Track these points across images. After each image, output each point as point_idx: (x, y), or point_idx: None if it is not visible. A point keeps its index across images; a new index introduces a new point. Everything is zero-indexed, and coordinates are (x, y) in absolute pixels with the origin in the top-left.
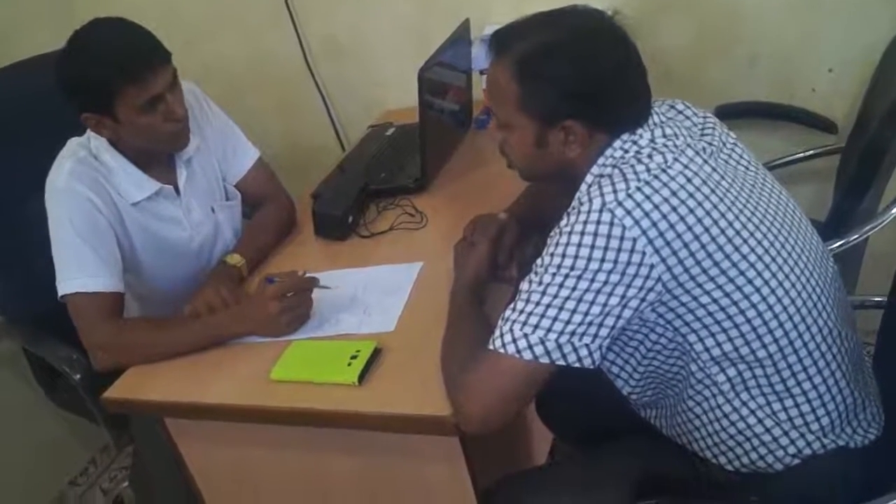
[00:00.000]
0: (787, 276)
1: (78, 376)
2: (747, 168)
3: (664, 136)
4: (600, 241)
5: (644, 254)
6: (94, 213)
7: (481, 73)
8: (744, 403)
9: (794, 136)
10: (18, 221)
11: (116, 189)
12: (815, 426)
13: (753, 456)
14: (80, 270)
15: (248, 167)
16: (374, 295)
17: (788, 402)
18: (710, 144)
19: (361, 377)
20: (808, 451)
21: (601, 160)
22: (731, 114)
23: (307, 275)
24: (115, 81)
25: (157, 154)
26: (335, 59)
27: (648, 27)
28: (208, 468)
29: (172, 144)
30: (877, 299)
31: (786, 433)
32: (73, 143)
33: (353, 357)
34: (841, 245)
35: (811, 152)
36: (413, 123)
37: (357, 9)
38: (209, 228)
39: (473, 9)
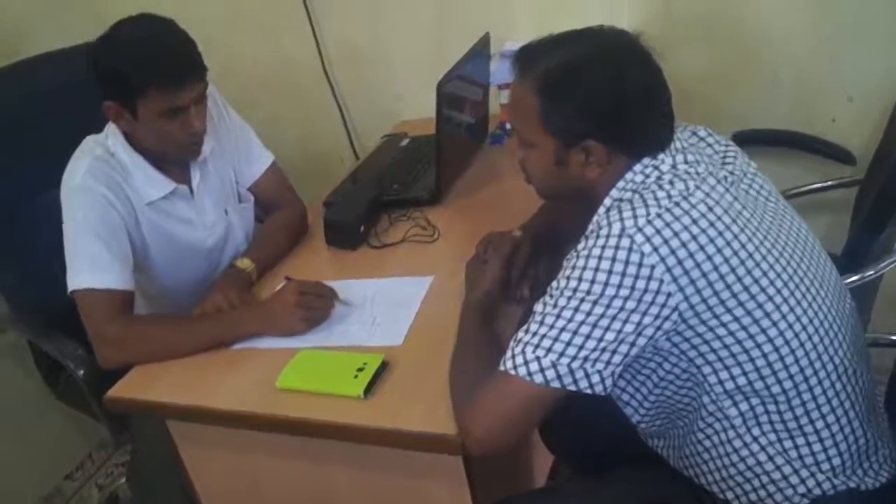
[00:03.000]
0: (804, 311)
1: (81, 372)
2: (767, 199)
3: (686, 162)
4: (618, 267)
5: (661, 282)
6: (109, 210)
7: (499, 87)
8: (755, 439)
9: (810, 166)
10: (29, 216)
11: (132, 187)
12: (825, 466)
13: (762, 493)
14: (91, 266)
15: (262, 171)
16: (383, 307)
17: (800, 441)
18: (732, 174)
19: (367, 390)
20: (817, 491)
21: (621, 184)
22: (748, 141)
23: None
24: (143, 82)
25: (166, 157)
26: (352, 66)
27: (668, 49)
28: (208, 472)
29: (182, 154)
30: (893, 338)
31: (796, 471)
32: (89, 140)
33: (360, 369)
34: (855, 280)
35: (829, 183)
36: (428, 135)
37: (377, 17)
38: (221, 230)
39: (495, 24)
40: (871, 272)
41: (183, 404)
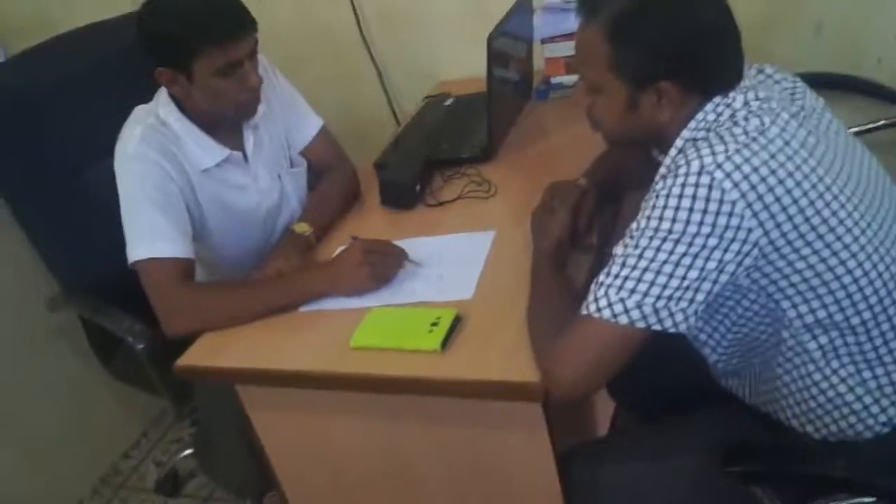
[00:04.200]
0: (882, 242)
1: (141, 346)
2: (837, 133)
3: (757, 98)
4: (699, 205)
5: (742, 217)
6: (166, 179)
7: (542, 42)
8: (834, 371)
9: (857, 107)
10: (76, 190)
11: (186, 156)
12: None
13: (843, 424)
14: (152, 236)
15: (312, 135)
16: (448, 263)
17: (879, 371)
18: (803, 108)
19: (444, 344)
20: None
21: (692, 124)
22: None
23: None
24: (198, 40)
25: (224, 120)
26: (389, 28)
27: None
28: (281, 437)
29: (240, 112)
30: None
31: (877, 401)
32: (140, 110)
33: (434, 324)
34: None
35: (880, 123)
36: (472, 94)
37: None
38: (276, 195)
39: None
40: None
41: (256, 368)
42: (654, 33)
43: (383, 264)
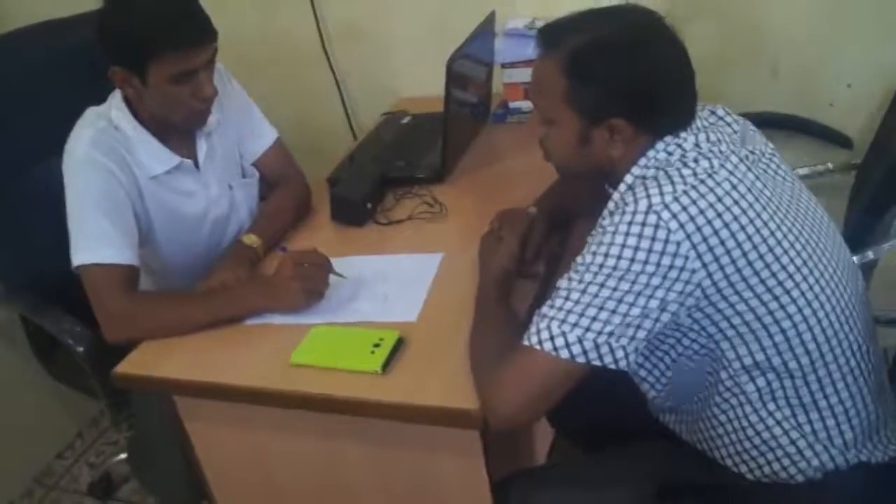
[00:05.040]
0: (822, 289)
1: (81, 349)
2: (784, 179)
3: (708, 141)
4: (644, 244)
5: (686, 258)
6: (114, 183)
7: (503, 66)
8: (770, 414)
9: (808, 149)
10: (23, 189)
11: (136, 161)
12: (838, 440)
13: (776, 466)
14: (97, 241)
15: (266, 147)
16: (394, 283)
17: (814, 416)
18: (752, 153)
19: (385, 366)
20: (830, 465)
21: (643, 161)
22: None
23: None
24: (157, 44)
25: (173, 126)
26: (351, 42)
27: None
28: (217, 450)
29: (190, 121)
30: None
31: (810, 445)
32: (91, 112)
33: (376, 345)
34: (858, 261)
35: (829, 166)
36: (429, 113)
37: None
38: (225, 205)
39: (497, 1)
40: (871, 253)
41: (194, 380)
42: (610, 70)
43: (314, 278)
